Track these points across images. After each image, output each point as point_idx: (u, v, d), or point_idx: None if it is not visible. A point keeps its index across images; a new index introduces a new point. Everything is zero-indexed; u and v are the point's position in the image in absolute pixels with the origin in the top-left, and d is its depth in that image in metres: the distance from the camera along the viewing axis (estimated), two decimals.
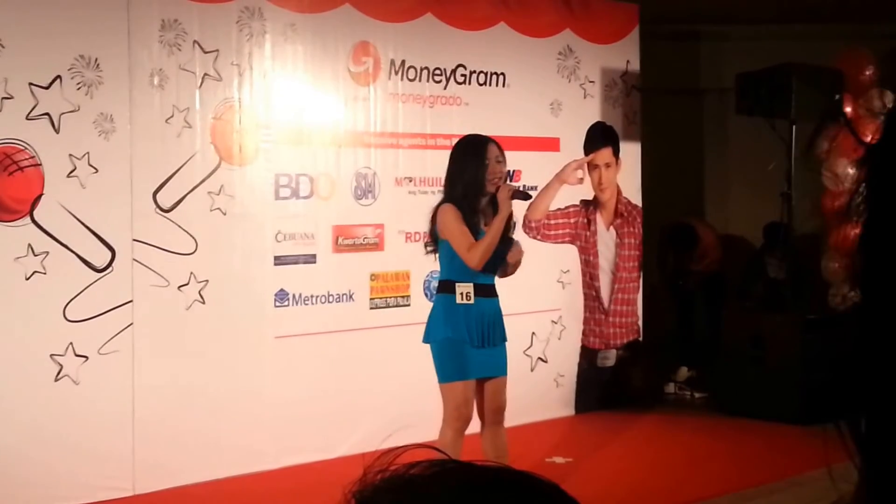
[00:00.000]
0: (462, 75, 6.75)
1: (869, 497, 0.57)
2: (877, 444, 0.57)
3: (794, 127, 7.33)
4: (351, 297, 6.25)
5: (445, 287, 4.80)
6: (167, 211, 5.59)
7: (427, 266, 6.00)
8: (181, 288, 5.62)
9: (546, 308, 7.14)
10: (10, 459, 5.05)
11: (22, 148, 5.13)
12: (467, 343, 4.70)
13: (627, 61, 7.63)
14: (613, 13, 7.57)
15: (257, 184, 5.90)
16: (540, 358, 7.16)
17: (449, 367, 4.73)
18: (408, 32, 6.49)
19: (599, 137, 7.30)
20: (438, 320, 4.78)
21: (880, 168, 0.58)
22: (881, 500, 0.57)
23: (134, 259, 5.46)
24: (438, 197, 4.94)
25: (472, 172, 4.71)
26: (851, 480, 0.59)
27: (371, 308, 6.34)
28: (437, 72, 6.64)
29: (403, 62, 6.48)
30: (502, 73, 6.94)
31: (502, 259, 4.82)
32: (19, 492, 5.05)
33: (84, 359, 5.30)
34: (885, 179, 0.57)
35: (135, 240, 5.47)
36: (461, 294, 4.72)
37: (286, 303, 5.99)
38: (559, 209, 7.13)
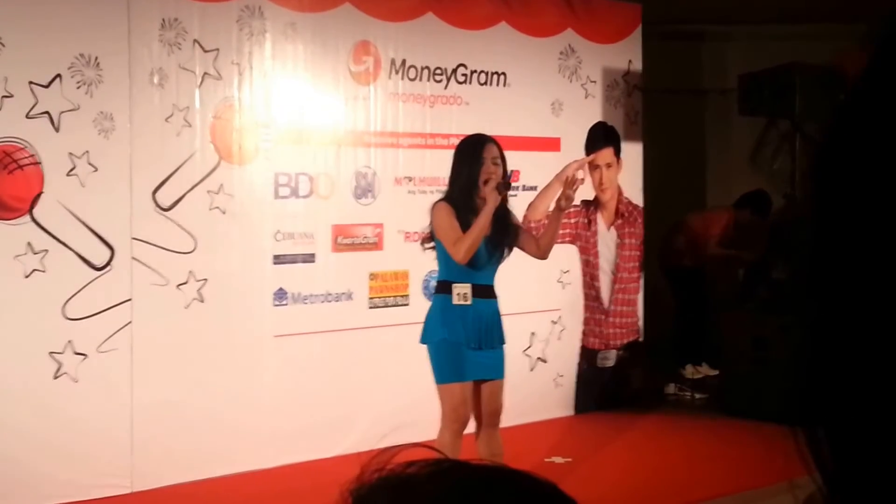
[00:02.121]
0: (463, 75, 6.74)
1: None
2: (837, 458, 0.56)
3: (797, 127, 7.32)
4: (350, 296, 6.24)
5: (443, 287, 4.79)
6: (166, 210, 5.58)
7: (426, 266, 5.99)
8: (180, 286, 5.61)
9: (546, 308, 7.13)
10: (8, 457, 5.04)
11: (22, 146, 5.13)
12: (464, 345, 4.68)
13: (629, 61, 7.62)
14: (615, 13, 7.56)
15: (257, 183, 5.89)
16: (539, 358, 7.15)
17: (445, 368, 4.71)
18: (408, 32, 6.48)
19: (601, 137, 7.30)
20: (435, 321, 4.77)
21: (822, 172, 0.56)
22: None
23: (133, 257, 5.46)
24: (438, 197, 4.93)
25: (468, 171, 4.71)
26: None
27: (370, 307, 6.33)
28: (438, 71, 6.63)
29: (404, 61, 6.47)
30: (503, 73, 6.93)
31: (500, 256, 4.81)
32: (18, 489, 5.04)
33: (83, 357, 5.29)
34: (829, 183, 0.55)
35: (134, 238, 5.46)
36: (458, 295, 4.71)
37: (285, 302, 5.98)
38: None
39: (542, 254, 4.94)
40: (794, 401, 0.59)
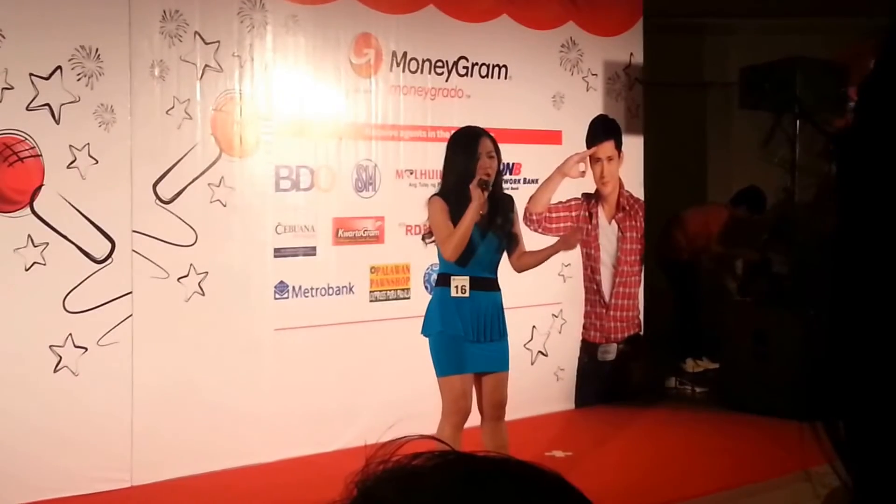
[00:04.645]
0: (464, 67, 6.73)
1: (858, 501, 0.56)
2: (859, 449, 0.55)
3: (798, 121, 7.31)
4: (351, 289, 6.24)
5: (442, 280, 4.80)
6: (167, 202, 5.57)
7: (427, 259, 5.99)
8: (181, 280, 5.61)
9: (547, 301, 7.13)
10: (8, 450, 5.04)
11: (22, 138, 5.12)
12: (462, 337, 4.68)
13: (631, 54, 7.61)
14: (617, 5, 7.55)
15: (257, 175, 5.89)
16: (540, 351, 7.15)
17: (444, 360, 4.71)
18: (410, 24, 6.47)
19: (602, 130, 7.29)
20: (434, 314, 4.77)
21: (852, 160, 0.55)
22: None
23: (134, 250, 5.45)
24: (436, 190, 4.93)
25: (463, 166, 4.69)
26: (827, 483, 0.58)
27: (371, 301, 6.33)
28: (439, 64, 6.62)
29: (405, 54, 6.46)
30: (504, 66, 6.92)
31: (500, 247, 4.80)
32: (17, 483, 5.04)
33: (83, 350, 5.29)
34: (857, 172, 0.55)
35: (134, 231, 5.45)
36: (456, 287, 4.70)
37: (286, 295, 5.97)
38: (561, 202, 7.12)
39: (516, 268, 4.94)
40: (809, 393, 0.58)
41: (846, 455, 0.56)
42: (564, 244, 5.01)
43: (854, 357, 0.54)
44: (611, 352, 7.54)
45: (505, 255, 4.89)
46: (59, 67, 5.19)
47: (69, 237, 5.25)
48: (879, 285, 0.53)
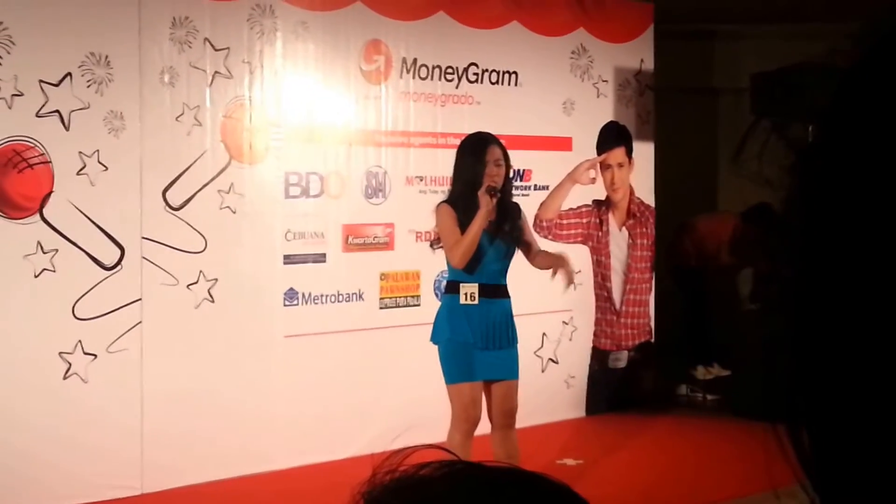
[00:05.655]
0: (474, 74, 6.72)
1: None
2: (824, 461, 0.54)
3: (809, 128, 7.28)
4: (360, 296, 6.23)
5: (451, 287, 4.79)
6: (177, 209, 5.58)
7: (437, 266, 5.98)
8: (190, 286, 5.61)
9: (557, 309, 7.10)
10: (18, 457, 5.04)
11: (32, 145, 5.12)
12: (472, 344, 4.66)
13: (641, 60, 7.60)
14: (627, 12, 7.54)
15: (267, 182, 5.89)
16: (551, 359, 7.13)
17: (454, 368, 4.70)
18: (420, 31, 6.47)
19: (612, 137, 7.28)
20: (443, 321, 4.76)
21: (817, 174, 0.54)
22: None
23: (143, 257, 5.45)
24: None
25: (470, 172, 4.68)
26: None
27: (381, 308, 6.32)
28: (449, 70, 6.61)
29: (415, 60, 6.46)
30: (515, 72, 6.91)
31: (508, 253, 4.79)
32: (27, 490, 5.04)
33: (93, 357, 5.28)
34: (823, 186, 0.53)
35: (144, 238, 5.46)
36: (465, 294, 4.69)
37: (295, 302, 5.97)
38: (571, 209, 7.10)
39: (532, 263, 4.94)
40: (774, 398, 0.56)
41: (811, 468, 0.55)
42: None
43: (820, 367, 0.53)
44: (621, 359, 7.52)
45: (521, 258, 4.89)
46: (69, 74, 5.20)
47: (79, 244, 5.25)
48: (844, 299, 0.51)
